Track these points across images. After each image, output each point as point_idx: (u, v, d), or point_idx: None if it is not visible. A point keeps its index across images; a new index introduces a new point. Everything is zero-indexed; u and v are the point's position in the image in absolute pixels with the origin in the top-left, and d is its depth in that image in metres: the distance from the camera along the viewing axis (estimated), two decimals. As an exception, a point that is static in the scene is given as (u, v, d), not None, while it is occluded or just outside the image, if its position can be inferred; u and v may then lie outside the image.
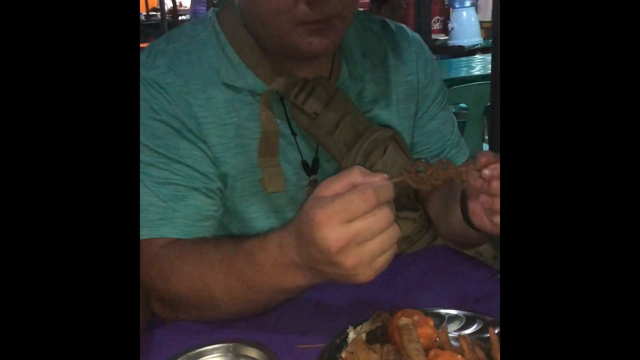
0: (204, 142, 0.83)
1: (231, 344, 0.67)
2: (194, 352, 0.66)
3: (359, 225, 0.60)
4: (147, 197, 0.80)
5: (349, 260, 0.61)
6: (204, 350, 0.67)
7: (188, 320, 0.78)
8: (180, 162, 0.81)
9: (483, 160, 0.71)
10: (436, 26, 5.66)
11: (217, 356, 0.67)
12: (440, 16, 5.75)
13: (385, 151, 0.90)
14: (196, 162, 0.82)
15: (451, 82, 3.05)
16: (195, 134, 0.82)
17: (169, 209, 0.80)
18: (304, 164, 0.88)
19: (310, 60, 0.85)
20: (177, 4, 6.24)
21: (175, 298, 0.78)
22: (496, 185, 0.70)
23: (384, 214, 0.62)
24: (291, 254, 0.67)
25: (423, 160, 0.70)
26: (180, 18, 5.65)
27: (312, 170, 0.89)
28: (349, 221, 0.60)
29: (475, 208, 0.77)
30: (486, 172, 0.71)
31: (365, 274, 0.63)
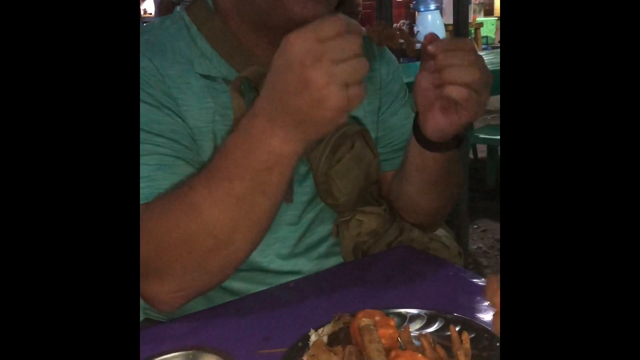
0: (183, 120, 0.83)
1: (190, 352, 0.65)
2: (152, 361, 0.65)
3: (331, 43, 0.63)
4: None
5: (319, 74, 0.62)
6: (163, 359, 0.65)
7: (152, 325, 0.77)
8: (163, 136, 0.80)
9: (428, 36, 0.74)
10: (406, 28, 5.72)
11: (176, 365, 0.65)
12: (406, 19, 5.81)
13: (353, 146, 0.91)
14: (179, 137, 0.82)
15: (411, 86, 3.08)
16: (174, 112, 0.82)
17: (154, 177, 0.78)
18: None
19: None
20: (142, 10, 6.17)
21: (166, 244, 0.73)
22: (441, 58, 0.73)
23: (356, 40, 0.64)
24: (262, 105, 0.68)
25: (384, 22, 0.77)
26: (143, 25, 5.58)
27: None
28: (322, 41, 0.63)
29: (426, 116, 0.81)
30: (430, 48, 0.73)
31: (337, 97, 0.63)
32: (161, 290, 0.75)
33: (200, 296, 0.81)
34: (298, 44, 0.63)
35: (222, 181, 0.71)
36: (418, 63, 0.87)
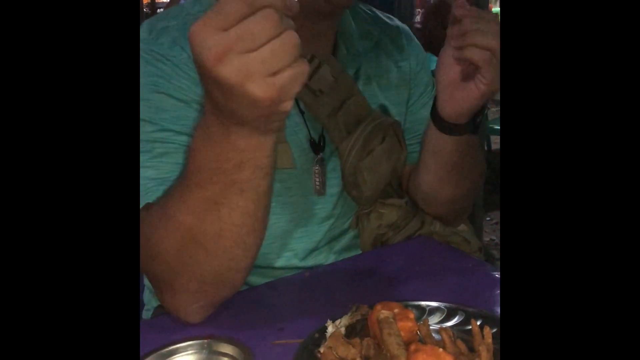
0: None
1: (206, 341, 0.64)
2: (166, 349, 0.63)
3: (236, 31, 0.51)
4: (148, 172, 0.74)
5: (230, 71, 0.52)
6: (177, 348, 0.63)
7: (165, 315, 0.76)
8: (188, 135, 0.75)
9: (459, 2, 0.75)
10: (419, 18, 5.66)
11: (191, 353, 0.64)
12: (423, 8, 5.75)
13: (384, 139, 0.89)
14: None
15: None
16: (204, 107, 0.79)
17: (171, 179, 0.74)
18: (312, 141, 0.87)
19: (327, 16, 0.85)
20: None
21: (162, 256, 0.69)
22: (468, 22, 0.74)
23: (269, 17, 0.52)
24: (207, 103, 0.60)
25: None
26: (158, 11, 5.57)
27: (321, 147, 0.88)
28: (226, 29, 0.52)
29: (444, 92, 0.81)
30: (457, 10, 0.75)
31: (260, 88, 0.52)
32: (178, 304, 0.71)
33: None
34: (198, 39, 0.53)
35: (194, 187, 0.65)
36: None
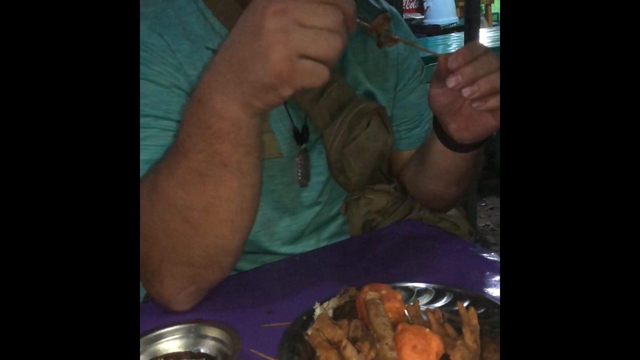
0: None
1: (193, 325, 0.64)
2: (153, 334, 0.63)
3: (305, 4, 0.54)
4: None
5: (274, 25, 0.53)
6: (164, 332, 0.63)
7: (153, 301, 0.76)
8: (169, 119, 0.76)
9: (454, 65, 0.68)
10: (412, 5, 5.65)
11: (177, 337, 0.63)
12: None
13: (369, 124, 0.89)
14: None
15: (427, 60, 3.05)
16: (185, 90, 0.78)
17: (151, 159, 0.74)
18: (296, 131, 0.86)
19: None
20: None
21: (150, 238, 0.68)
22: (471, 71, 0.67)
23: (337, 14, 0.55)
24: (215, 57, 0.61)
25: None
26: None
27: (303, 138, 0.87)
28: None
29: (454, 125, 0.77)
30: (452, 63, 0.68)
31: (282, 56, 0.54)
32: (167, 292, 0.71)
33: None
34: None
35: (180, 158, 0.64)
36: (429, 38, 0.83)
